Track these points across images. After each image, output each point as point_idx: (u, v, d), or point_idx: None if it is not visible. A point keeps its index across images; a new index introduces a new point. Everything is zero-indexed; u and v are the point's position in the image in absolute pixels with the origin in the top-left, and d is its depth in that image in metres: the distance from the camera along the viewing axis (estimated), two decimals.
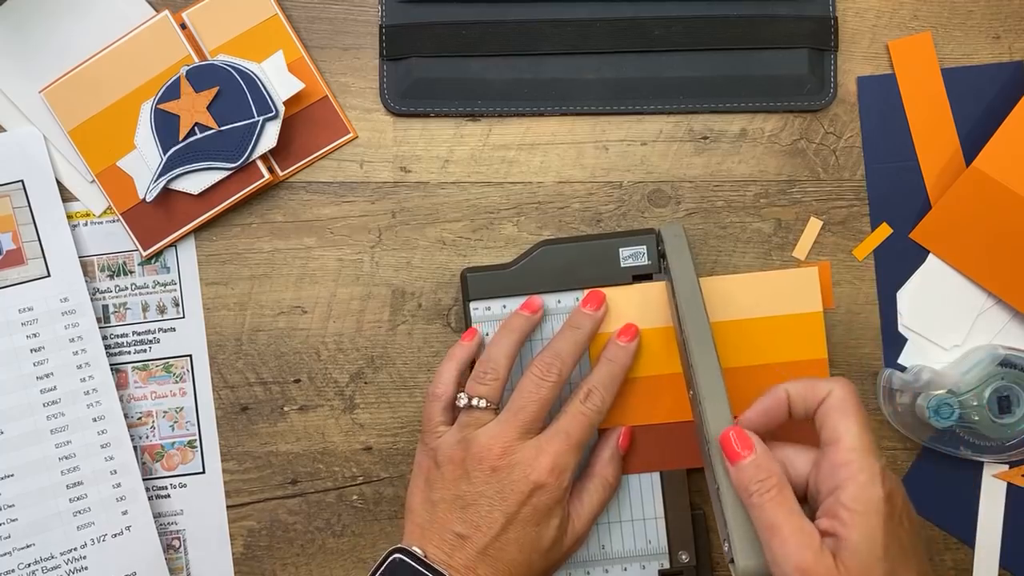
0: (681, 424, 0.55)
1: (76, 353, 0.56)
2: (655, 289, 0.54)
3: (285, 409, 0.58)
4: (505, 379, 0.52)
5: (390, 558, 0.48)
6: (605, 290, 0.54)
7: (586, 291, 0.55)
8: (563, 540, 0.51)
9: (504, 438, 0.49)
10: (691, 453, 0.54)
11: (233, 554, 0.57)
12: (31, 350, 0.56)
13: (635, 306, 0.54)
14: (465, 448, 0.50)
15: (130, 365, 0.57)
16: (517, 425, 0.50)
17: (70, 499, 0.56)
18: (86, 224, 0.57)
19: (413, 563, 0.47)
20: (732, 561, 0.46)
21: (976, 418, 0.54)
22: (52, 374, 0.56)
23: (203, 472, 0.57)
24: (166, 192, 0.56)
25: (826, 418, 0.44)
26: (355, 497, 0.58)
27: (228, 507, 0.58)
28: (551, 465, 0.49)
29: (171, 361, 0.58)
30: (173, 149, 0.55)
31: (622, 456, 0.54)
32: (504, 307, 0.56)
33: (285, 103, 0.55)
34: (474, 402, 0.51)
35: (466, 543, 0.48)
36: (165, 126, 0.55)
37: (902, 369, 0.57)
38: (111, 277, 0.57)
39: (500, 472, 0.49)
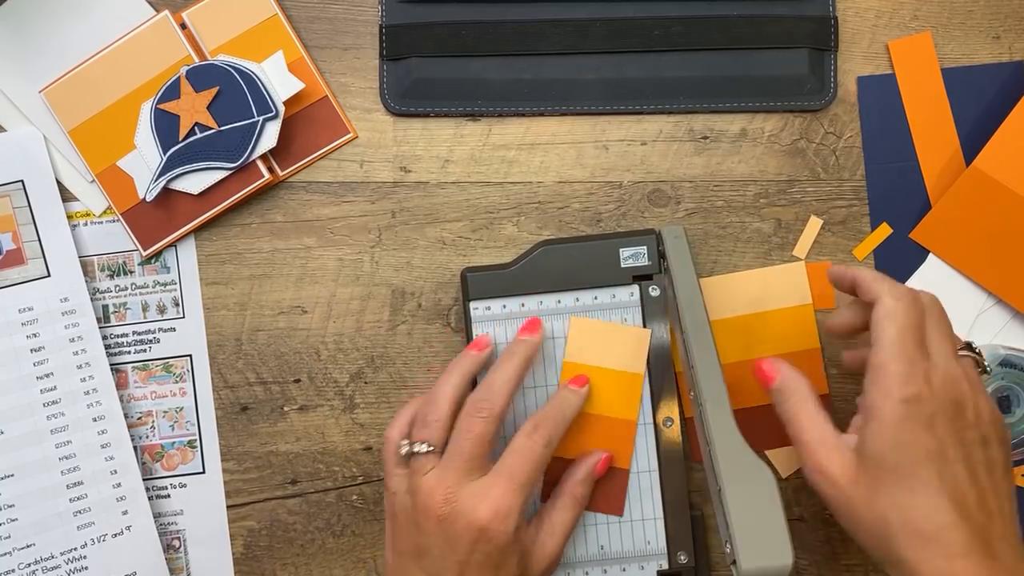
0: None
1: (76, 353, 0.56)
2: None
3: (285, 409, 0.58)
4: (448, 419, 0.49)
5: None
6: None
7: (586, 290, 0.55)
8: (529, 572, 0.50)
9: (445, 484, 0.47)
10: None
11: (233, 554, 0.57)
12: (31, 350, 0.56)
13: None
14: (412, 496, 0.48)
15: (130, 365, 0.57)
16: (458, 467, 0.48)
17: (70, 499, 0.56)
18: (86, 224, 0.57)
19: None
20: (734, 563, 0.46)
21: None
22: (52, 374, 0.56)
23: (203, 472, 0.57)
24: (166, 192, 0.56)
25: (873, 324, 0.46)
26: (355, 497, 0.58)
27: (228, 507, 0.58)
28: (494, 511, 0.47)
29: (171, 361, 0.58)
30: (173, 149, 0.55)
31: (595, 479, 0.53)
32: (504, 307, 0.56)
33: (285, 103, 0.55)
34: (416, 448, 0.49)
35: None
36: (165, 126, 0.55)
37: None
38: (111, 277, 0.57)
39: (445, 522, 0.47)
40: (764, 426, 0.53)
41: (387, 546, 0.51)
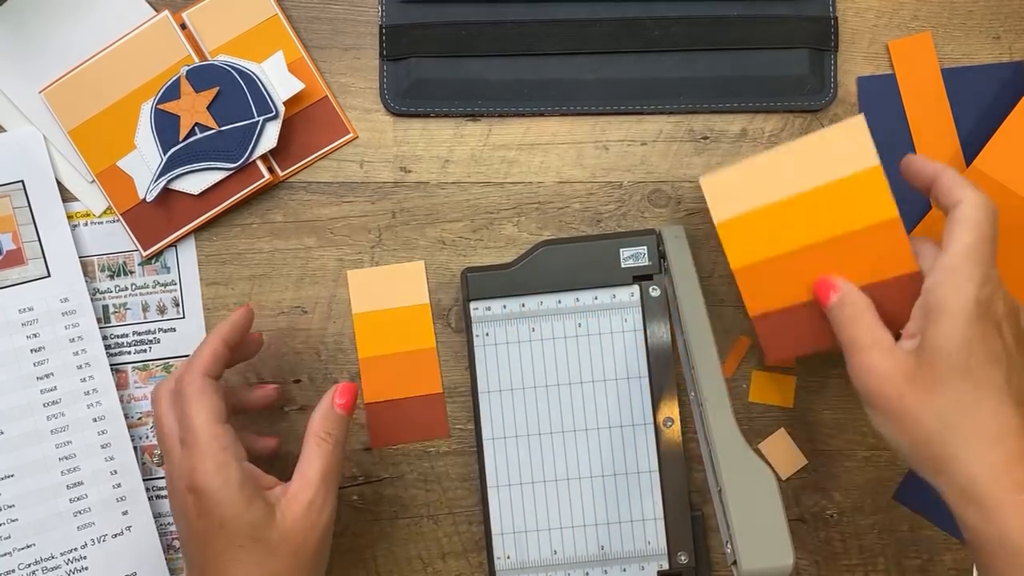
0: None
1: (76, 353, 0.56)
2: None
3: (285, 409, 0.58)
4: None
5: None
6: None
7: (586, 291, 0.55)
8: (286, 527, 0.45)
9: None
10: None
11: None
12: (31, 350, 0.56)
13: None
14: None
15: (130, 365, 0.57)
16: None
17: (70, 499, 0.56)
18: (86, 224, 0.57)
19: None
20: (735, 563, 0.46)
21: None
22: (52, 374, 0.56)
23: None
24: (166, 192, 0.56)
25: (949, 225, 0.45)
26: (355, 497, 0.58)
27: None
28: (194, 467, 0.45)
29: (171, 361, 0.58)
30: (173, 149, 0.55)
31: (344, 415, 0.48)
32: (504, 307, 0.56)
33: (285, 103, 0.55)
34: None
35: None
36: (165, 126, 0.55)
37: None
38: (111, 277, 0.57)
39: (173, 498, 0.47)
40: (820, 320, 0.49)
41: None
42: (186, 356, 0.58)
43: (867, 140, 0.48)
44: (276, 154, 0.57)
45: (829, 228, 0.49)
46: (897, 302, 0.47)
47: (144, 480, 0.56)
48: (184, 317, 0.58)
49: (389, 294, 0.57)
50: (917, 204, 0.58)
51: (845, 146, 0.49)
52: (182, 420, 0.46)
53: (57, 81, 0.56)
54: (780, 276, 0.50)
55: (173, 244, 0.57)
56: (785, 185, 0.50)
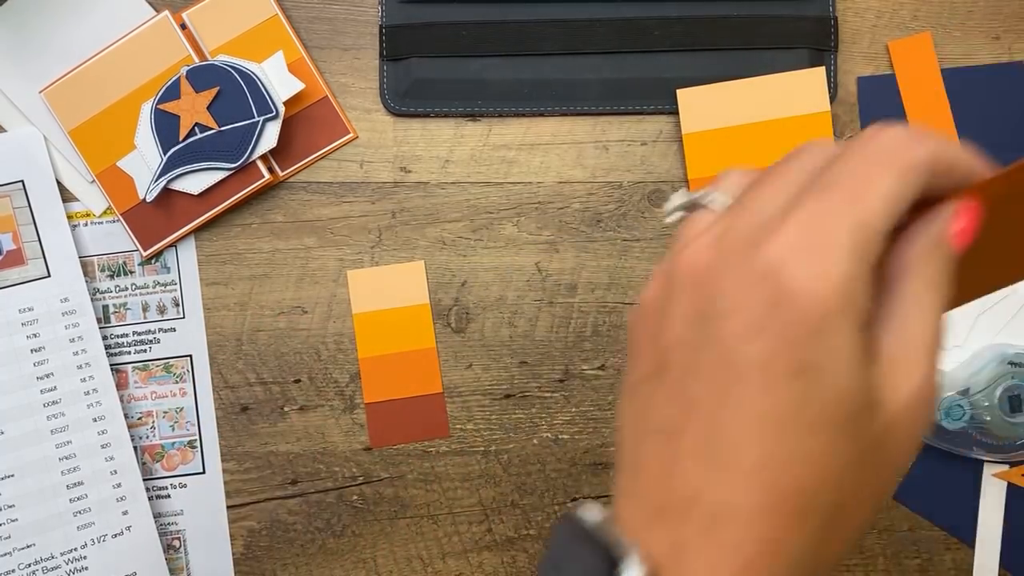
0: None
1: (76, 353, 0.56)
2: None
3: (285, 409, 0.58)
4: None
5: None
6: None
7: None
8: (890, 399, 0.25)
9: (713, 235, 0.27)
10: None
11: (233, 554, 0.57)
12: (31, 350, 0.56)
13: None
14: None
15: (130, 365, 0.57)
16: (739, 209, 0.27)
17: (70, 499, 0.56)
18: (86, 224, 0.57)
19: None
20: None
21: (988, 418, 0.54)
22: (52, 374, 0.56)
23: (203, 472, 0.57)
24: (166, 192, 0.56)
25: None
26: (355, 497, 0.58)
27: (228, 507, 0.58)
28: (818, 268, 0.24)
29: (171, 361, 0.58)
30: (173, 149, 0.55)
31: (955, 255, 0.26)
32: None
33: (285, 103, 0.55)
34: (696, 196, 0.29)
35: (673, 441, 0.26)
36: (165, 126, 0.55)
37: None
38: (111, 277, 0.57)
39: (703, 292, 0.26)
40: None
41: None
42: (186, 356, 0.58)
43: (823, 88, 0.57)
44: (276, 154, 0.57)
45: (777, 156, 0.53)
46: None
47: (144, 480, 0.56)
48: (184, 317, 0.58)
49: (389, 294, 0.57)
50: None
51: (806, 89, 0.57)
52: (842, 178, 0.25)
53: (57, 81, 0.56)
54: None
55: (173, 244, 0.57)
56: (748, 112, 0.57)
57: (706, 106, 0.57)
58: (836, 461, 0.24)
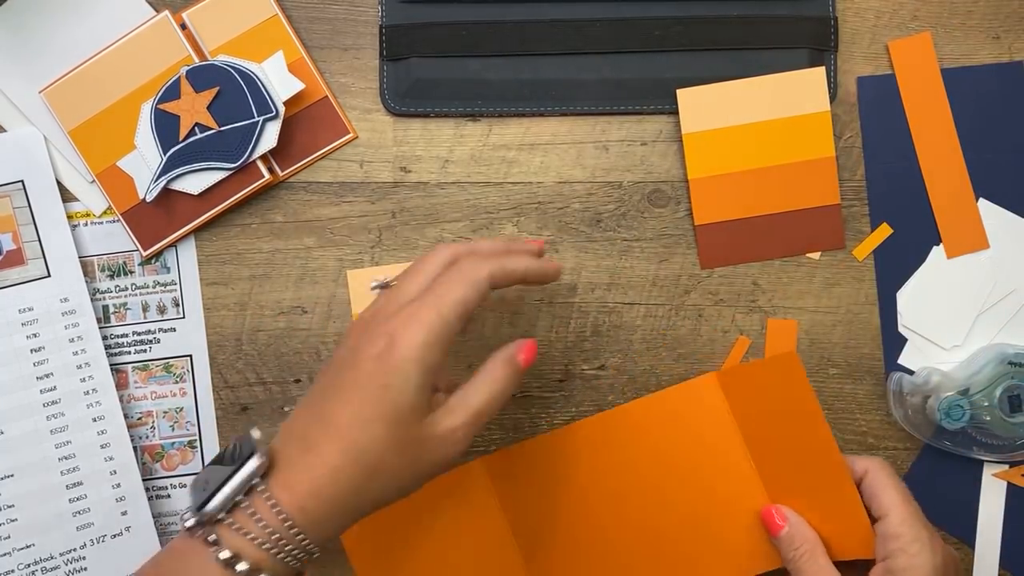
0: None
1: (76, 353, 0.56)
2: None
3: (285, 409, 0.58)
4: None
5: None
6: None
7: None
8: (424, 444, 0.43)
9: (378, 304, 0.46)
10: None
11: None
12: (31, 350, 0.56)
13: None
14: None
15: (130, 365, 0.57)
16: (393, 291, 0.46)
17: (70, 499, 0.56)
18: (86, 224, 0.57)
19: None
20: None
21: (988, 418, 0.54)
22: (52, 374, 0.56)
23: None
24: (166, 192, 0.56)
25: (871, 495, 0.48)
26: None
27: None
28: (403, 322, 0.43)
29: (171, 361, 0.58)
30: (173, 149, 0.55)
31: (520, 369, 0.46)
32: None
33: (285, 103, 0.55)
34: (388, 280, 0.48)
35: (310, 408, 0.45)
36: (165, 126, 0.55)
37: (907, 371, 0.57)
38: (111, 277, 0.57)
39: (365, 332, 0.45)
40: (755, 236, 0.57)
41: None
42: (186, 356, 0.58)
43: (823, 88, 0.57)
44: (276, 154, 0.57)
45: (777, 156, 0.57)
46: (821, 224, 0.57)
47: (144, 480, 0.56)
48: (184, 317, 0.58)
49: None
50: (917, 204, 0.58)
51: (806, 89, 0.57)
52: (439, 286, 0.44)
53: (57, 81, 0.56)
54: (726, 192, 0.57)
55: (173, 244, 0.57)
56: (748, 112, 0.57)
57: (706, 106, 0.57)
58: (382, 441, 0.42)
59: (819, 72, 0.57)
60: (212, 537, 0.40)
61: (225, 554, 0.40)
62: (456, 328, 0.43)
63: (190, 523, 0.41)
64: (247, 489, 0.41)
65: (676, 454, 0.54)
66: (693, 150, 0.57)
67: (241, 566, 0.40)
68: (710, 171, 0.57)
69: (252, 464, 0.41)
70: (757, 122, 0.57)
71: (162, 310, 0.58)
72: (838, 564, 0.49)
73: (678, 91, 0.57)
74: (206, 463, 0.44)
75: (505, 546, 0.54)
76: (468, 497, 0.55)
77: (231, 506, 0.41)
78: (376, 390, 0.42)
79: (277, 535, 0.41)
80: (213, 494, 0.41)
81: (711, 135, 0.57)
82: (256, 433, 0.43)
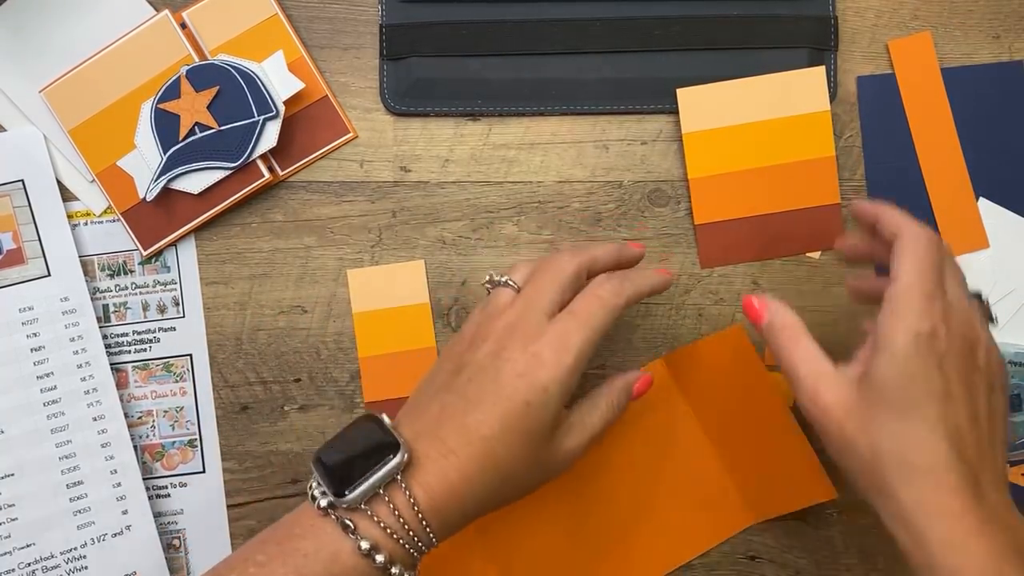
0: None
1: (76, 352, 0.56)
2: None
3: (285, 408, 0.58)
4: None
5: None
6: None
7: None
8: (548, 450, 0.46)
9: (518, 307, 0.47)
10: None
11: None
12: (31, 349, 0.56)
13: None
14: (483, 312, 0.48)
15: (130, 365, 0.57)
16: (526, 297, 0.47)
17: (70, 499, 0.56)
18: (86, 224, 0.57)
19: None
20: None
21: None
22: (52, 374, 0.56)
23: (203, 472, 0.57)
24: (166, 192, 0.56)
25: (893, 256, 0.45)
26: None
27: (228, 507, 0.58)
28: (555, 339, 0.45)
29: (171, 360, 0.58)
30: (173, 149, 0.55)
31: (632, 399, 0.51)
32: None
33: (285, 103, 0.55)
34: (498, 278, 0.49)
35: (446, 409, 0.46)
36: (165, 126, 0.55)
37: None
38: (111, 277, 0.57)
39: (502, 341, 0.46)
40: (754, 236, 0.57)
41: (428, 370, 0.49)
42: (186, 355, 0.58)
43: (823, 88, 0.56)
44: (276, 154, 0.57)
45: (776, 155, 0.57)
46: (820, 224, 0.57)
47: (144, 479, 0.56)
48: (184, 316, 0.58)
49: (389, 293, 0.57)
50: (917, 204, 0.58)
51: (806, 89, 0.56)
52: (581, 310, 0.46)
53: (57, 81, 0.56)
54: (726, 192, 0.57)
55: (173, 243, 0.57)
56: (748, 111, 0.57)
57: (706, 105, 0.57)
58: (518, 455, 0.44)
59: (819, 71, 0.56)
60: (348, 521, 0.42)
61: (365, 544, 0.41)
62: (593, 353, 0.46)
63: (325, 503, 0.42)
64: (388, 482, 0.42)
65: (632, 441, 0.56)
66: (693, 149, 0.57)
67: (380, 557, 0.41)
68: (710, 170, 0.57)
69: (396, 459, 0.42)
70: (757, 122, 0.57)
71: (162, 309, 0.58)
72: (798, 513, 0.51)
73: (678, 91, 0.57)
74: (329, 438, 0.44)
75: (472, 556, 0.56)
76: None
77: (370, 496, 0.42)
78: (520, 406, 0.44)
79: (410, 530, 0.42)
80: (350, 479, 0.42)
81: (711, 134, 0.57)
82: (387, 421, 0.44)
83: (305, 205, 0.58)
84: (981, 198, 0.58)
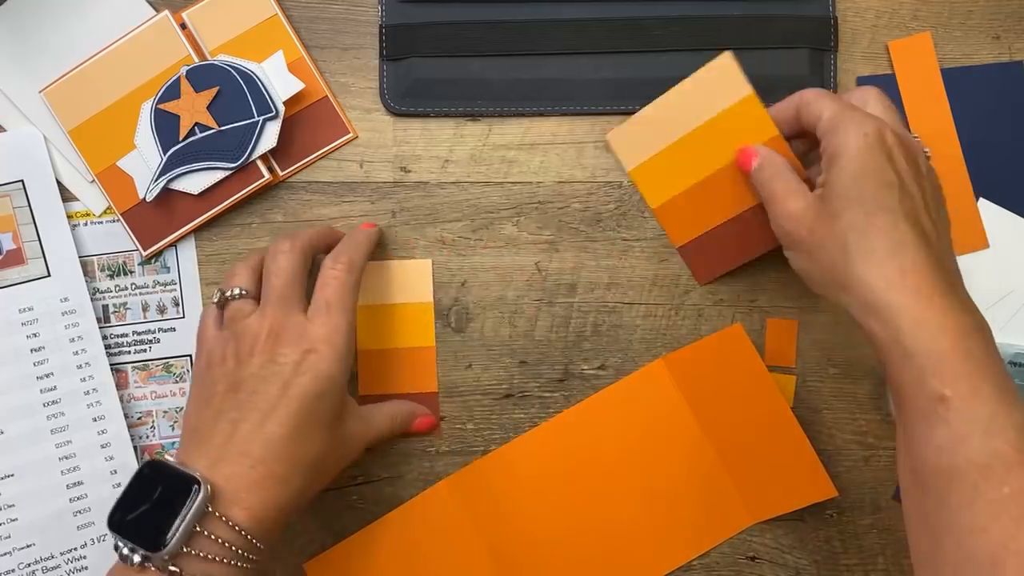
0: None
1: (76, 353, 0.56)
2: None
3: None
4: (256, 267, 0.52)
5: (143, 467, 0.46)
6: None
7: None
8: (342, 421, 0.50)
9: (268, 320, 0.48)
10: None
11: None
12: (31, 350, 0.56)
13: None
14: (236, 342, 0.49)
15: (130, 365, 0.57)
16: (274, 304, 0.49)
17: (70, 499, 0.56)
18: (86, 224, 0.57)
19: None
20: None
21: None
22: (52, 374, 0.56)
23: None
24: (166, 192, 0.56)
25: (825, 130, 0.48)
26: (355, 497, 0.58)
27: None
28: (323, 332, 0.48)
29: (171, 361, 0.58)
30: (173, 149, 0.55)
31: (410, 431, 0.56)
32: None
33: (285, 103, 0.55)
34: (228, 292, 0.50)
35: (239, 426, 0.46)
36: (165, 126, 0.55)
37: None
38: (111, 277, 0.57)
39: (272, 348, 0.48)
40: (734, 239, 0.56)
41: (190, 401, 0.50)
42: (186, 356, 0.58)
43: (738, 74, 0.53)
44: (276, 154, 0.57)
45: (724, 156, 0.55)
46: None
47: None
48: (184, 317, 0.58)
49: (393, 290, 0.57)
50: None
51: (720, 82, 0.54)
52: (327, 287, 0.50)
53: (57, 81, 0.56)
54: (692, 206, 0.56)
55: (173, 244, 0.57)
56: (678, 126, 0.55)
57: (638, 137, 0.56)
58: (320, 440, 0.47)
59: (726, 58, 0.53)
60: (173, 568, 0.42)
61: None
62: (355, 326, 0.51)
63: (138, 559, 0.42)
64: (200, 518, 0.43)
65: (632, 443, 0.57)
66: (645, 182, 0.57)
67: None
68: (668, 194, 0.57)
69: (201, 495, 0.42)
70: (691, 131, 0.55)
71: (162, 310, 0.58)
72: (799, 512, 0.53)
73: (608, 136, 0.57)
74: (112, 507, 0.44)
75: (477, 563, 0.55)
76: (437, 519, 0.56)
77: (188, 538, 0.42)
78: (312, 400, 0.46)
79: (238, 549, 0.43)
80: (159, 530, 0.42)
81: (654, 161, 0.56)
82: (172, 460, 0.45)
83: (305, 205, 0.58)
84: (981, 198, 0.58)
